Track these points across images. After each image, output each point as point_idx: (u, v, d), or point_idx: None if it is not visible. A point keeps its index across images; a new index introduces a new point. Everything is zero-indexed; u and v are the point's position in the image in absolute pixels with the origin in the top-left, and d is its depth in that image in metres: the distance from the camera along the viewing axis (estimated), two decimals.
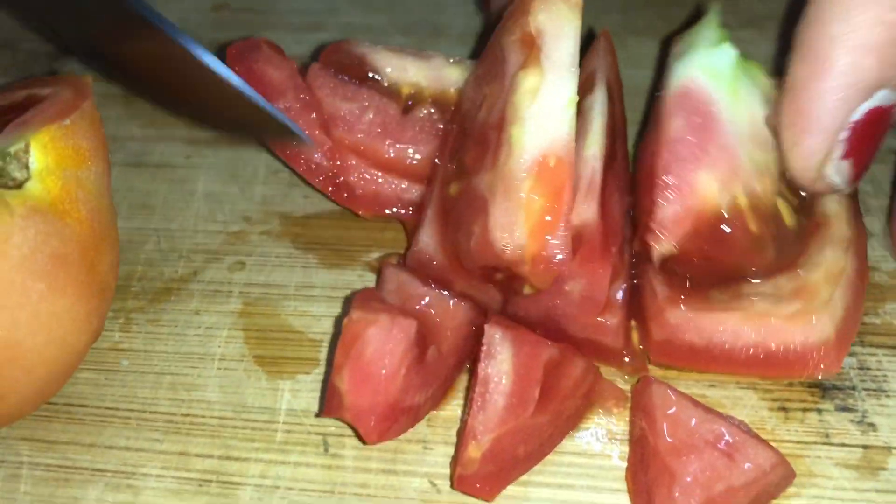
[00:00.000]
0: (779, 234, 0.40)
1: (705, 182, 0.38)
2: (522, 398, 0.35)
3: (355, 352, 0.36)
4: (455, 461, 0.37)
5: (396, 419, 0.37)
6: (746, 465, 0.35)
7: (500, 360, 0.35)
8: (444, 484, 0.38)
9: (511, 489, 0.37)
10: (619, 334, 0.40)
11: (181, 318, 0.45)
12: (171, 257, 0.48)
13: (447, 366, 0.39)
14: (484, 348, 0.35)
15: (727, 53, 0.40)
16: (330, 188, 0.47)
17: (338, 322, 0.44)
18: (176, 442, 0.40)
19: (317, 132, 0.46)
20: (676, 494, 0.34)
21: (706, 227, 0.39)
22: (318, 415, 0.40)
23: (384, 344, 0.36)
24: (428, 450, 0.39)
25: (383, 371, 0.35)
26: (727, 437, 0.35)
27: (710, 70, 0.40)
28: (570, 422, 0.39)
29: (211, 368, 0.43)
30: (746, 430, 0.36)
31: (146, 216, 0.51)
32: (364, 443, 0.38)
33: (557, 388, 0.37)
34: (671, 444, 0.36)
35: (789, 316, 0.39)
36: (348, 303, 0.40)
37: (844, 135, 0.37)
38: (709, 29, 0.41)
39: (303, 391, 0.41)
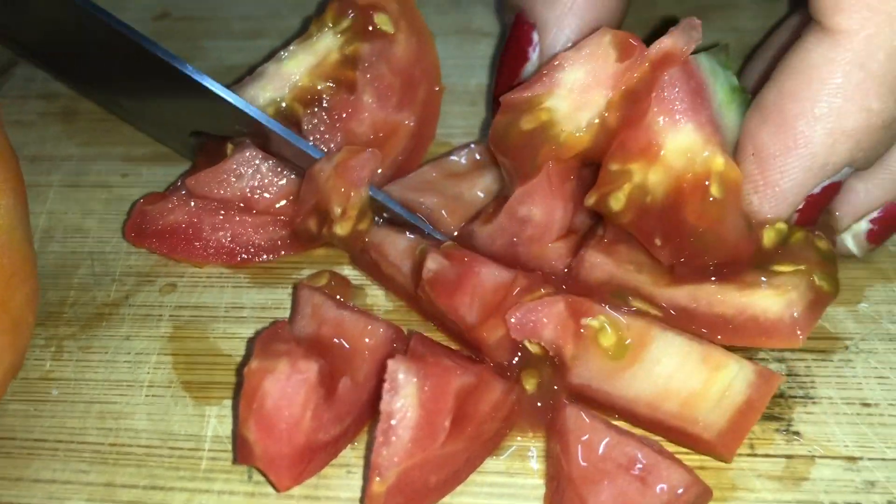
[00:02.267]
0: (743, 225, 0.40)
1: (692, 132, 0.38)
2: (431, 430, 0.35)
3: (257, 403, 0.36)
4: (364, 494, 0.37)
5: (310, 460, 0.37)
6: (659, 489, 0.34)
7: (404, 394, 0.34)
8: None
9: None
10: (563, 258, 0.43)
11: (112, 343, 0.45)
12: (103, 281, 0.48)
13: (366, 391, 0.39)
14: (386, 384, 0.35)
15: (729, 77, 0.40)
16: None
17: (240, 370, 0.43)
18: (102, 473, 0.40)
19: None
20: None
21: (683, 183, 0.38)
22: (234, 462, 0.40)
23: (284, 392, 0.36)
24: (351, 474, 0.39)
25: (287, 418, 0.35)
26: (640, 460, 0.35)
27: (713, 70, 0.39)
28: (491, 444, 0.39)
29: (139, 396, 0.43)
30: (660, 451, 0.36)
31: (81, 239, 0.50)
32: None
33: (474, 413, 0.37)
34: (584, 470, 0.35)
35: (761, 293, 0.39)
36: (253, 344, 0.39)
37: (799, 206, 0.39)
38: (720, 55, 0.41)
39: (228, 416, 0.41)
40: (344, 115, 0.48)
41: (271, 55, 0.49)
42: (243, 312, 0.46)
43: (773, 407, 0.40)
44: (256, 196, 0.47)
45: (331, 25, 0.48)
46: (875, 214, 0.42)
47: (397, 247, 0.45)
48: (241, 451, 0.37)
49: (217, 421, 0.41)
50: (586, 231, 0.44)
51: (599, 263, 0.42)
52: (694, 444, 0.38)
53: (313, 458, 0.37)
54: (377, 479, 0.34)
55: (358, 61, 0.48)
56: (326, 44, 0.48)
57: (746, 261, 0.40)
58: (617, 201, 0.40)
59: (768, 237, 0.40)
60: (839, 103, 0.36)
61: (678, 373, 0.37)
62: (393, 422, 0.34)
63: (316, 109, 0.48)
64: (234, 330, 0.45)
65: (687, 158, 0.38)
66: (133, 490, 0.39)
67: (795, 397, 0.40)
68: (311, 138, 0.48)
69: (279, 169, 0.47)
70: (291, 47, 0.48)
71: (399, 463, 0.34)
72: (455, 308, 0.40)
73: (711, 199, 0.38)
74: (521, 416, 0.39)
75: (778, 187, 0.38)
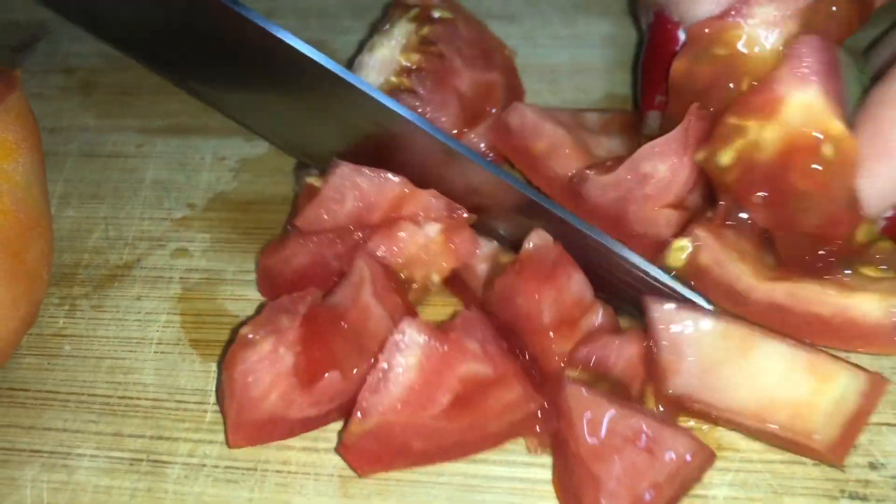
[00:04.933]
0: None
1: (817, 94, 0.38)
2: (425, 398, 0.36)
3: (231, 366, 0.37)
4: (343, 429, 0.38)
5: (272, 430, 0.38)
6: (667, 457, 0.35)
7: (407, 354, 0.35)
8: None
9: None
10: (672, 226, 0.42)
11: (123, 303, 0.47)
12: (117, 245, 0.50)
13: (358, 385, 0.38)
14: (392, 337, 0.36)
15: (863, 79, 0.41)
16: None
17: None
18: (111, 423, 0.41)
19: None
20: (603, 501, 0.35)
21: (801, 149, 0.38)
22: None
23: (253, 371, 0.37)
24: None
25: (252, 392, 0.37)
26: (646, 431, 0.35)
27: (849, 65, 0.40)
28: (491, 440, 0.39)
29: (148, 352, 0.44)
30: (662, 420, 0.36)
31: (96, 205, 0.52)
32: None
33: (480, 404, 0.37)
34: (592, 447, 0.36)
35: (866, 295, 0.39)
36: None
37: (888, 213, 0.38)
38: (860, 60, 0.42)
39: None
40: (446, 78, 0.49)
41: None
42: (250, 276, 0.47)
43: None
44: (366, 213, 0.45)
45: (400, 16, 0.52)
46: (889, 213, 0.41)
47: (481, 248, 0.44)
48: (219, 395, 0.39)
49: None
50: (696, 212, 0.44)
51: (706, 242, 0.41)
52: (799, 450, 0.37)
53: (276, 428, 0.38)
54: (358, 417, 0.35)
55: (436, 39, 0.50)
56: (403, 30, 0.51)
57: (841, 245, 0.39)
58: (726, 156, 0.40)
59: (861, 231, 0.39)
60: None
61: (785, 382, 0.37)
62: (389, 373, 0.35)
63: (423, 77, 0.49)
64: (241, 292, 0.46)
65: (807, 116, 0.38)
66: (140, 440, 0.41)
67: None
68: (429, 105, 0.48)
69: (378, 177, 0.44)
70: (374, 38, 0.51)
71: (383, 414, 0.35)
72: (539, 299, 0.39)
73: (822, 160, 0.38)
74: (537, 430, 0.39)
75: (864, 191, 0.38)
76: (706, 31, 0.41)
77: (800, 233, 0.40)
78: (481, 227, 0.45)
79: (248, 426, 0.38)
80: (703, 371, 0.38)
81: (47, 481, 0.40)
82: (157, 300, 0.46)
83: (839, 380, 0.36)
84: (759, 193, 0.40)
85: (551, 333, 0.39)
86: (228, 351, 0.38)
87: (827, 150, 0.38)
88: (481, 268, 0.44)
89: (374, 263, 0.41)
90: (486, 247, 0.44)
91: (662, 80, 0.44)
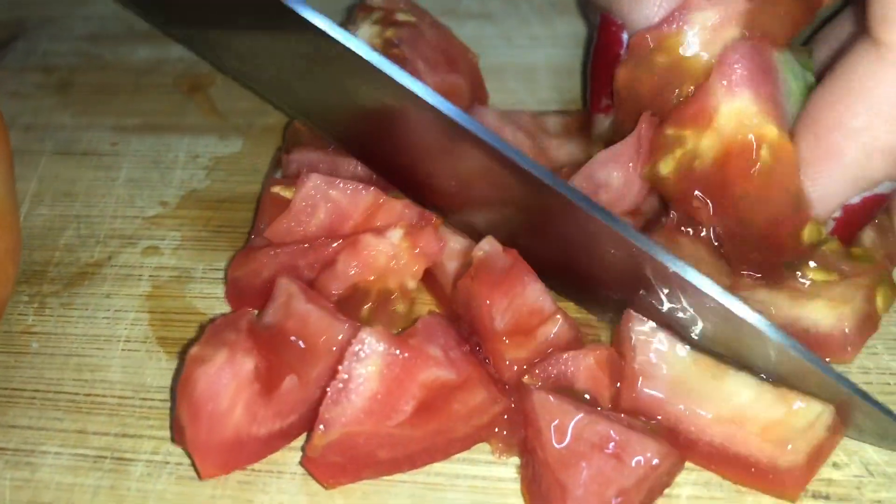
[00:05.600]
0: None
1: (749, 101, 0.38)
2: (387, 407, 0.35)
3: (189, 389, 0.36)
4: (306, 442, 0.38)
5: (240, 452, 0.37)
6: (634, 462, 0.35)
7: (366, 364, 0.35)
8: None
9: None
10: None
11: (92, 301, 0.46)
12: (88, 243, 0.49)
13: (315, 391, 0.38)
14: (351, 348, 0.35)
15: (807, 75, 0.41)
16: None
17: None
18: (76, 420, 0.41)
19: None
20: None
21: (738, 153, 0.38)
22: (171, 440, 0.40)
23: (214, 383, 0.36)
24: None
25: (215, 409, 0.36)
26: (613, 437, 0.35)
27: (788, 62, 0.40)
28: (459, 444, 0.38)
29: (115, 350, 0.44)
30: (629, 425, 0.36)
31: (68, 203, 0.52)
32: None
33: (445, 410, 0.37)
34: (559, 454, 0.35)
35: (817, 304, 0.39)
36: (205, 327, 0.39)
37: (837, 214, 0.38)
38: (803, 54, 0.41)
39: None
40: None
41: None
42: (220, 274, 0.47)
43: None
44: (339, 224, 0.44)
45: (364, 18, 0.52)
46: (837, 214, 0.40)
47: (451, 245, 0.44)
48: (176, 431, 0.38)
49: None
50: (653, 217, 0.44)
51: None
52: (761, 477, 0.36)
53: (243, 450, 0.37)
54: (320, 430, 0.35)
55: (399, 42, 0.50)
56: (367, 32, 0.51)
57: (788, 247, 0.39)
58: (665, 165, 0.40)
59: (808, 232, 0.39)
60: (876, 119, 0.35)
61: (756, 404, 0.37)
62: (350, 385, 0.35)
63: None
64: (210, 290, 0.46)
65: (739, 124, 0.38)
66: (104, 437, 0.41)
67: None
68: None
69: (351, 188, 0.44)
70: None
71: (345, 425, 0.35)
72: (490, 305, 0.39)
73: (759, 164, 0.38)
74: (504, 433, 0.39)
75: (812, 194, 0.38)
76: (647, 38, 0.41)
77: (747, 236, 0.39)
78: (464, 226, 0.44)
79: (216, 450, 0.37)
80: (673, 385, 0.38)
81: (10, 478, 0.39)
82: (127, 298, 0.46)
83: (811, 407, 0.36)
84: (698, 199, 0.40)
85: (505, 339, 0.39)
86: (180, 378, 0.37)
87: (764, 154, 0.38)
88: (451, 265, 0.44)
89: (298, 280, 0.41)
90: (456, 243, 0.44)
91: (608, 83, 0.44)
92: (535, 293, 0.40)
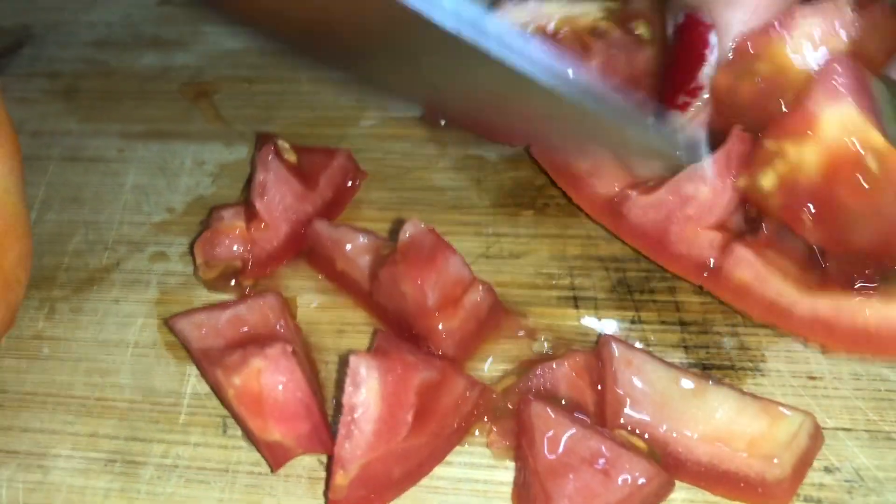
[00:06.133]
0: None
1: (852, 108, 0.37)
2: (393, 424, 0.36)
3: (264, 399, 0.38)
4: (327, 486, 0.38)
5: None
6: (621, 480, 0.35)
7: (365, 389, 0.36)
8: None
9: None
10: (714, 248, 0.42)
11: (101, 306, 0.47)
12: (96, 248, 0.50)
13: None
14: (348, 378, 0.36)
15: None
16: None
17: None
18: (87, 424, 0.42)
19: None
20: None
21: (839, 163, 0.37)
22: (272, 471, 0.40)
23: (281, 374, 0.38)
24: None
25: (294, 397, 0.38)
26: (604, 453, 0.36)
27: (883, 92, 0.40)
28: (455, 437, 0.39)
29: (125, 355, 0.45)
30: (623, 443, 0.37)
31: (76, 209, 0.53)
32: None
33: (437, 407, 0.38)
34: (549, 464, 0.36)
35: None
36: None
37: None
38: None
39: None
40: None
41: None
42: None
43: (724, 378, 0.41)
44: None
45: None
46: None
47: (356, 243, 0.45)
48: (275, 456, 0.39)
49: (196, 379, 0.43)
50: (738, 234, 0.43)
51: (748, 260, 0.41)
52: (750, 491, 0.37)
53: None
54: (340, 471, 0.35)
55: (602, 37, 0.48)
56: (588, 8, 0.48)
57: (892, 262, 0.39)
58: (768, 179, 0.39)
59: None
60: None
61: (739, 418, 0.37)
62: (355, 415, 0.36)
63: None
64: (218, 296, 0.47)
65: (844, 131, 0.37)
66: (115, 441, 0.42)
67: (745, 369, 0.42)
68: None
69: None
70: None
71: (362, 456, 0.35)
72: (421, 283, 0.41)
73: (867, 174, 0.37)
74: (485, 413, 0.40)
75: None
76: (750, 46, 0.40)
77: (852, 251, 0.39)
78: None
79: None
80: (657, 406, 0.38)
81: (23, 481, 0.40)
82: (135, 303, 0.47)
83: (793, 418, 0.37)
84: (807, 214, 0.39)
85: (437, 314, 0.41)
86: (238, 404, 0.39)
87: (871, 163, 0.37)
88: (363, 260, 0.45)
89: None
90: (365, 239, 0.45)
91: (688, 81, 0.43)
92: (456, 264, 0.42)
